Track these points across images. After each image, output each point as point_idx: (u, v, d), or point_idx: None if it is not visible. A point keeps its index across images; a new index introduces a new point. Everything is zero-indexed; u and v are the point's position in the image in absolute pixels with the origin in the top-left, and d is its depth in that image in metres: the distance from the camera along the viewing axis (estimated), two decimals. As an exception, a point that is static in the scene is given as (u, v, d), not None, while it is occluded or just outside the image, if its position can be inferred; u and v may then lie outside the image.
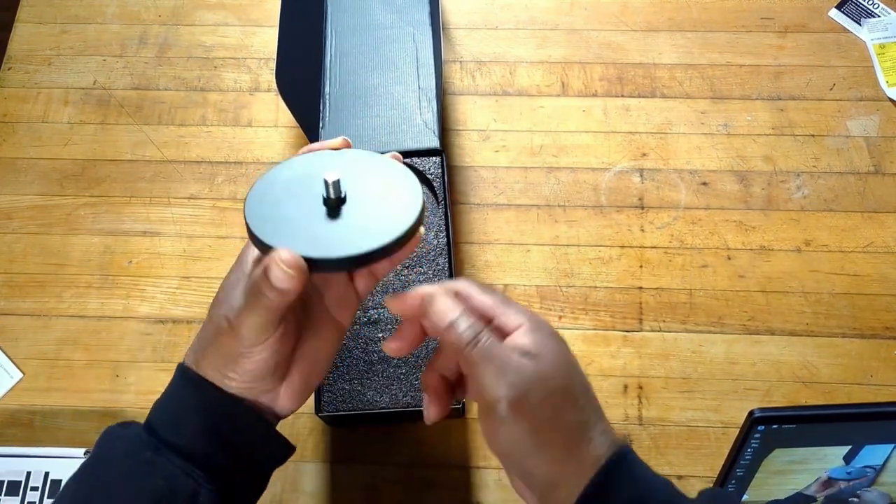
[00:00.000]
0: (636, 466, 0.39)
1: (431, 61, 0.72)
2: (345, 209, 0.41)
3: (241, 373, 0.41)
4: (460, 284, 0.43)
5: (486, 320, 0.41)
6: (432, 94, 0.70)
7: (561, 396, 0.39)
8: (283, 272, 0.38)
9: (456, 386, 0.44)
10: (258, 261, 0.41)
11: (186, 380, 0.43)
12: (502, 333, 0.40)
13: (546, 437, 0.39)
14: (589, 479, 0.38)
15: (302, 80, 0.70)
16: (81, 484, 0.42)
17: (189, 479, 0.41)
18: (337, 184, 0.41)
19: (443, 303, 0.41)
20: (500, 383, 0.38)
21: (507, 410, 0.38)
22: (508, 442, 0.39)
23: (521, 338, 0.40)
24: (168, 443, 0.42)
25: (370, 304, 0.63)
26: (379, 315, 0.63)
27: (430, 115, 0.69)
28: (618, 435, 0.40)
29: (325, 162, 0.43)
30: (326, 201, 0.41)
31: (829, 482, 0.54)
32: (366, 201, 0.42)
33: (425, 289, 0.42)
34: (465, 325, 0.40)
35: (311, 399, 0.59)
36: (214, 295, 0.43)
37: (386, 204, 0.42)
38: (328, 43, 0.74)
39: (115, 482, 0.41)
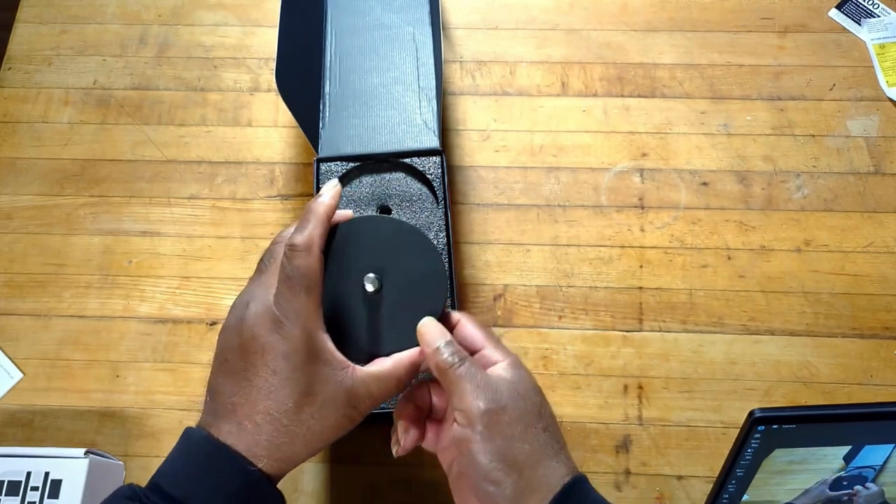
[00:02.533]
0: (591, 492, 0.44)
1: (431, 61, 0.72)
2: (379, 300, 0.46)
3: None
4: (457, 314, 0.48)
5: (472, 352, 0.46)
6: (432, 94, 0.70)
7: (534, 417, 0.43)
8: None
9: (427, 417, 0.47)
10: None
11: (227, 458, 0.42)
12: (485, 365, 0.45)
13: (518, 450, 0.41)
14: (553, 496, 0.41)
15: (302, 80, 0.70)
16: None
17: None
18: (374, 281, 0.46)
19: (433, 327, 0.45)
20: (480, 397, 0.42)
21: (484, 422, 0.41)
22: (482, 454, 0.41)
23: (502, 370, 0.45)
24: None
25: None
26: (379, 315, 0.63)
27: (430, 115, 0.69)
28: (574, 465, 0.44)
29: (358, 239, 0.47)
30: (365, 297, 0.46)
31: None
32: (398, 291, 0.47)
33: (423, 321, 0.46)
34: (449, 351, 0.44)
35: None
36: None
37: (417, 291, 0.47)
38: (328, 43, 0.74)
39: None
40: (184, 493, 0.40)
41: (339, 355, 0.43)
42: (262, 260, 0.46)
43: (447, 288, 0.46)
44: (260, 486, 0.41)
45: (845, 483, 0.53)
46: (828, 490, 0.53)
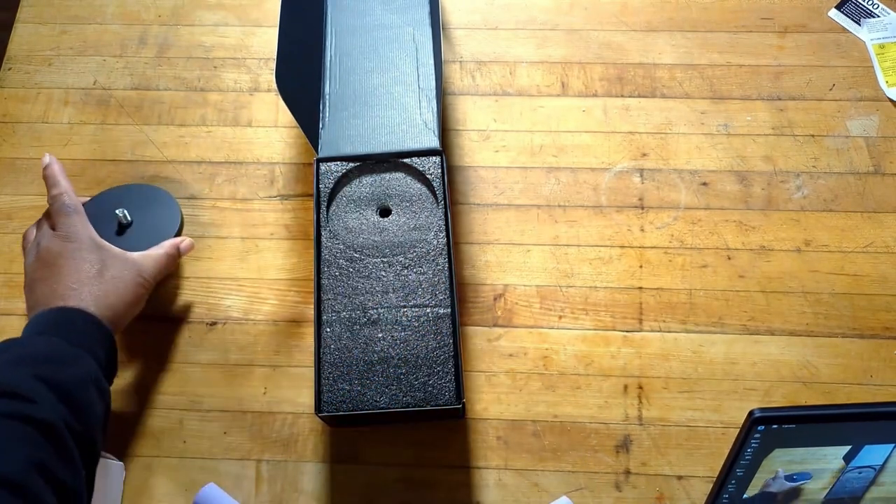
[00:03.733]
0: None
1: (431, 61, 0.72)
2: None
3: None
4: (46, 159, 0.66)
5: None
6: (432, 94, 0.70)
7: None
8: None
9: None
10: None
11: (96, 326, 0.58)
12: None
13: None
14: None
15: (302, 80, 0.71)
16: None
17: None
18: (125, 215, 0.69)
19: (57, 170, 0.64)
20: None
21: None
22: None
23: None
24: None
25: (370, 304, 0.63)
26: (379, 315, 0.63)
27: (430, 115, 0.69)
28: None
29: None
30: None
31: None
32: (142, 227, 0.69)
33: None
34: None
35: (311, 399, 0.59)
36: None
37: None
38: (328, 43, 0.74)
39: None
40: (54, 333, 0.55)
41: (116, 248, 0.63)
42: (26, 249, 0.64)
43: (179, 220, 0.70)
44: (88, 319, 0.58)
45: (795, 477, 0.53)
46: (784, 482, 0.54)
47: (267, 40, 0.83)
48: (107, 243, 0.63)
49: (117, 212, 0.68)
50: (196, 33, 0.84)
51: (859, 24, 0.82)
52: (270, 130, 0.78)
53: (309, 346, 0.68)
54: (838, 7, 0.83)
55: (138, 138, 0.78)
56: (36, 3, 0.86)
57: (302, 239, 0.73)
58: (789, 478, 0.53)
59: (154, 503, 0.63)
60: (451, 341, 0.62)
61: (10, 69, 0.82)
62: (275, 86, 0.78)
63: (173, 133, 0.78)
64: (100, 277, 0.60)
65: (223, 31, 0.84)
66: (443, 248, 0.65)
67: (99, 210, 0.69)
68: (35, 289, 0.60)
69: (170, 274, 0.72)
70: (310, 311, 0.69)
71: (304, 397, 0.66)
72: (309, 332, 0.69)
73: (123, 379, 0.68)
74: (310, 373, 0.59)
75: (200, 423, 0.66)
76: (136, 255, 0.64)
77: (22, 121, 0.80)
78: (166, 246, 0.66)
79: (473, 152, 0.77)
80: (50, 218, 0.63)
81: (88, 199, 0.70)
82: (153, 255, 0.65)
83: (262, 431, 0.65)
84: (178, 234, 0.71)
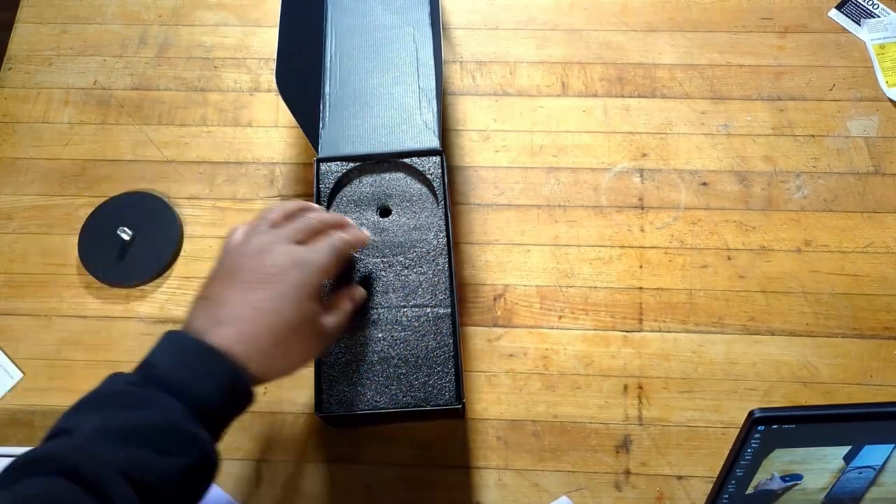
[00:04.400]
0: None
1: (431, 61, 0.72)
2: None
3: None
4: None
5: None
6: (432, 94, 0.70)
7: None
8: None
9: None
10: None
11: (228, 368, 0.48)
12: None
13: None
14: None
15: (302, 80, 0.70)
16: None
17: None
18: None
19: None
20: None
21: None
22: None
23: None
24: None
25: (370, 303, 0.63)
26: (379, 315, 0.63)
27: (430, 116, 0.69)
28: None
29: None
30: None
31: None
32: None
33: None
34: None
35: (311, 399, 0.59)
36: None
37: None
38: (328, 43, 0.74)
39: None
40: (179, 381, 0.46)
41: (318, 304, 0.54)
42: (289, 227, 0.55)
43: (179, 234, 0.72)
44: (243, 386, 0.48)
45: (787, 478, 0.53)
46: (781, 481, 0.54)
47: (267, 40, 0.83)
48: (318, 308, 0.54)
49: (119, 232, 0.71)
50: (196, 33, 0.84)
51: (859, 25, 0.82)
52: (270, 130, 0.78)
53: (309, 346, 0.68)
54: (838, 7, 0.83)
55: (138, 138, 0.78)
56: (36, 3, 0.86)
57: (302, 239, 0.73)
58: (784, 479, 0.53)
59: None
60: (451, 341, 0.61)
61: (10, 69, 0.82)
62: (275, 86, 0.78)
63: (173, 133, 0.78)
64: (289, 333, 0.51)
65: (223, 31, 0.84)
66: (443, 249, 0.64)
67: (100, 227, 0.71)
68: (232, 286, 0.51)
69: (169, 276, 0.72)
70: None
71: (304, 397, 0.66)
72: (309, 332, 0.69)
73: (123, 379, 0.68)
74: (310, 373, 0.59)
75: (200, 423, 0.66)
76: (324, 314, 0.55)
77: (22, 121, 0.80)
78: (346, 306, 0.58)
79: (473, 152, 0.77)
80: (303, 236, 0.54)
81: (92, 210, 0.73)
82: (334, 318, 0.57)
83: (262, 431, 0.65)
84: (179, 246, 0.73)
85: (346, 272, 0.63)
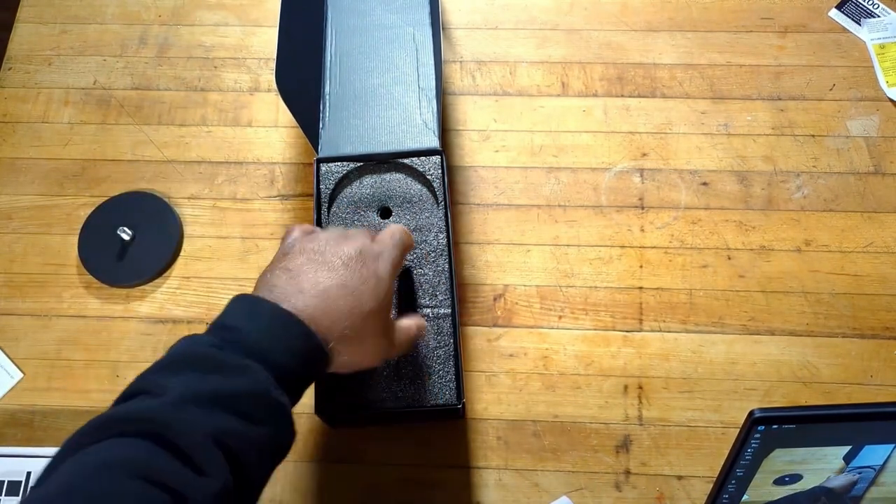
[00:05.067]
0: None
1: (431, 61, 0.72)
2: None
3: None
4: None
5: None
6: (432, 94, 0.70)
7: None
8: None
9: None
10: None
11: (307, 337, 0.47)
12: None
13: None
14: None
15: (302, 80, 0.70)
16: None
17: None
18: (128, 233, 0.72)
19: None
20: None
21: None
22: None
23: None
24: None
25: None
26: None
27: (430, 115, 0.69)
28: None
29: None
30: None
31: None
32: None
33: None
34: None
35: (311, 399, 0.59)
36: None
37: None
38: (328, 43, 0.74)
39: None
40: (262, 347, 0.45)
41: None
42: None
43: (179, 233, 0.72)
44: (320, 358, 0.47)
45: (787, 479, 0.53)
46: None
47: (267, 40, 0.83)
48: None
49: (119, 232, 0.71)
50: (196, 33, 0.84)
51: (859, 24, 0.82)
52: (270, 130, 0.78)
53: (309, 346, 0.68)
54: (838, 7, 0.83)
55: (138, 138, 0.78)
56: (36, 3, 0.86)
57: (302, 239, 0.73)
58: (780, 480, 0.53)
59: None
60: (451, 341, 0.61)
61: (10, 69, 0.82)
62: (275, 86, 0.78)
63: (173, 133, 0.78)
64: (365, 319, 0.50)
65: (223, 31, 0.84)
66: (443, 249, 0.64)
67: (100, 227, 0.71)
68: (322, 266, 0.50)
69: (169, 276, 0.72)
70: (310, 311, 0.69)
71: (305, 397, 0.66)
72: (309, 332, 0.69)
73: (124, 378, 0.68)
74: (310, 373, 0.59)
75: (200, 423, 0.66)
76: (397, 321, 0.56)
77: (22, 121, 0.80)
78: (412, 331, 0.58)
79: (473, 152, 0.77)
80: (379, 245, 0.54)
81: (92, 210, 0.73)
82: (406, 327, 0.57)
83: (263, 431, 0.65)
84: (178, 246, 0.73)
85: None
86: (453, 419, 0.65)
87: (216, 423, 0.41)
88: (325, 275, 0.49)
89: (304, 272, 0.49)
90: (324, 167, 0.67)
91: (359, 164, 0.68)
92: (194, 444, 0.39)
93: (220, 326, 0.46)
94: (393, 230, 0.56)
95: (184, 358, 0.44)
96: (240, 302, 0.48)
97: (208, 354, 0.44)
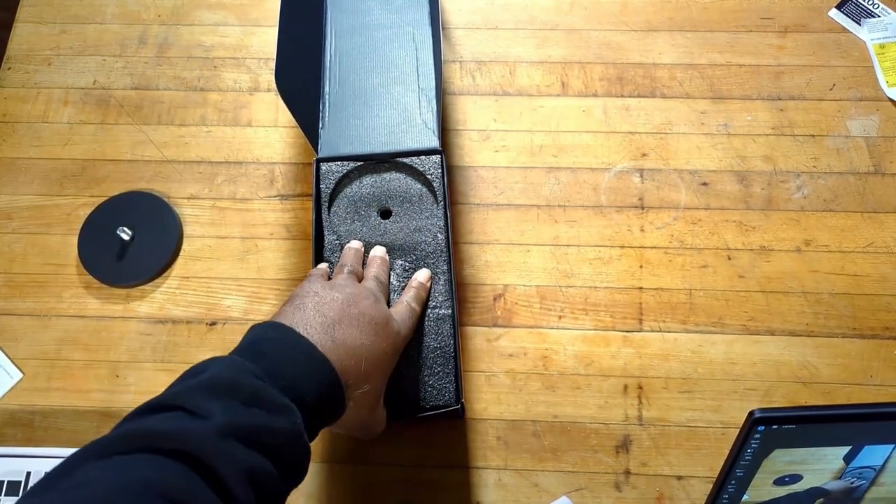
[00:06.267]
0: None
1: (431, 61, 0.72)
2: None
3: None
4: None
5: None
6: (432, 94, 0.70)
7: None
8: None
9: None
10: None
11: (329, 375, 0.48)
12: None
13: None
14: None
15: (302, 80, 0.70)
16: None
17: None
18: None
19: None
20: None
21: None
22: None
23: None
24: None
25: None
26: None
27: (430, 115, 0.69)
28: None
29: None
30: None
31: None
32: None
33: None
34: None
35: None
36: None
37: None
38: (328, 43, 0.74)
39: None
40: (300, 389, 0.46)
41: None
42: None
43: (178, 233, 0.72)
44: (340, 410, 0.49)
45: (787, 479, 0.53)
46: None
47: (267, 40, 0.83)
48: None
49: (119, 232, 0.71)
50: (196, 33, 0.84)
51: (859, 24, 0.82)
52: (270, 130, 0.78)
53: (309, 346, 0.68)
54: (838, 7, 0.83)
55: (138, 138, 0.78)
56: (36, 2, 0.86)
57: (302, 239, 0.73)
58: (780, 480, 0.53)
59: None
60: (451, 342, 0.61)
61: (9, 69, 0.82)
62: (274, 86, 0.78)
63: (173, 133, 0.78)
64: (384, 357, 0.53)
65: (223, 30, 0.84)
66: (443, 249, 0.64)
67: (100, 227, 0.71)
68: (335, 315, 0.52)
69: (168, 276, 0.72)
70: (310, 311, 0.69)
71: (304, 397, 0.66)
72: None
73: (124, 378, 0.68)
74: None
75: (200, 423, 0.66)
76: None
77: (22, 121, 0.80)
78: (413, 300, 0.61)
79: (473, 152, 0.77)
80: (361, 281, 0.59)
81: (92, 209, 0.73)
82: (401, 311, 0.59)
83: (262, 431, 0.65)
84: (178, 246, 0.73)
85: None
86: (453, 419, 0.65)
87: (253, 462, 0.41)
88: (356, 333, 0.51)
89: (339, 323, 0.51)
90: (324, 166, 0.67)
91: (358, 164, 0.68)
92: (233, 478, 0.39)
93: (260, 353, 0.47)
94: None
95: (228, 383, 0.43)
96: (281, 333, 0.48)
97: (252, 387, 0.44)
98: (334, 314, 0.51)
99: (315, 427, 0.48)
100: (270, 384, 0.45)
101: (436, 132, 0.68)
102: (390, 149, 0.68)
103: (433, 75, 0.71)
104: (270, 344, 0.47)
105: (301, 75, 0.70)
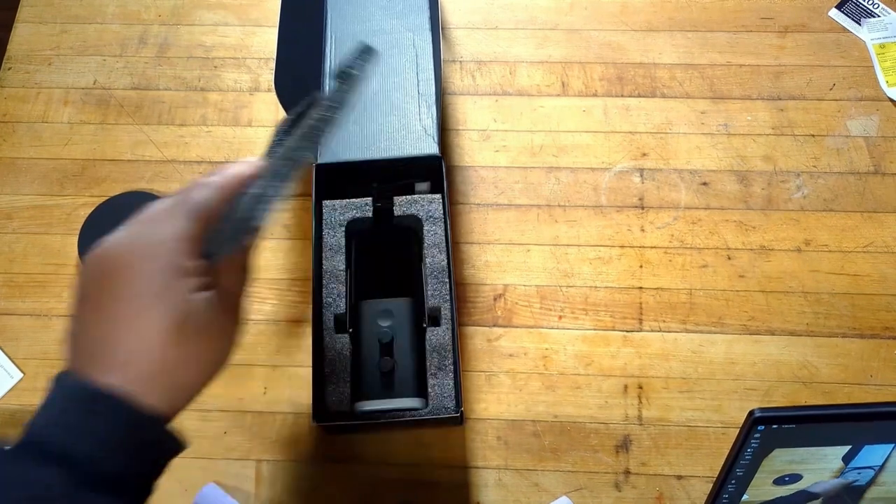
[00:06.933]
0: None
1: (431, 66, 0.72)
2: None
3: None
4: None
5: None
6: (432, 99, 0.70)
7: None
8: None
9: None
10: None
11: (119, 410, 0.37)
12: None
13: None
14: None
15: (301, 85, 0.70)
16: None
17: None
18: None
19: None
20: None
21: None
22: None
23: None
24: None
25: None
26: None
27: (430, 121, 0.69)
28: None
29: None
30: None
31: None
32: None
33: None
34: None
35: (309, 400, 0.59)
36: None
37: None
38: (328, 48, 0.74)
39: None
40: (62, 449, 0.35)
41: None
42: None
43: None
44: (150, 428, 0.37)
45: (787, 479, 0.53)
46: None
47: (267, 40, 0.83)
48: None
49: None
50: (196, 33, 0.84)
51: (859, 24, 0.82)
52: (270, 130, 0.78)
53: (309, 346, 0.68)
54: (838, 7, 0.83)
55: (138, 138, 0.78)
56: (36, 2, 0.86)
57: (302, 239, 0.73)
58: (780, 480, 0.53)
59: (153, 503, 0.63)
60: (450, 346, 0.61)
61: (10, 69, 0.82)
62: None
63: (173, 133, 0.78)
64: (173, 335, 0.38)
65: (223, 30, 0.84)
66: (443, 248, 0.64)
67: (100, 227, 0.71)
68: (85, 318, 0.39)
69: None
70: (310, 311, 0.69)
71: (304, 397, 0.66)
72: (309, 331, 0.69)
73: (124, 379, 0.68)
74: (310, 373, 0.59)
75: (200, 423, 0.66)
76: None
77: (22, 121, 0.80)
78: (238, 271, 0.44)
79: (473, 152, 0.77)
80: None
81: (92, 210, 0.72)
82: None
83: (262, 431, 0.65)
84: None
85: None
86: (452, 425, 0.65)
87: None
88: (115, 324, 0.38)
89: (97, 329, 0.38)
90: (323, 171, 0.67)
91: (358, 167, 0.67)
92: None
93: (31, 421, 0.37)
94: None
95: None
96: (56, 383, 0.38)
97: None
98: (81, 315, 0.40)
99: (132, 468, 0.37)
100: (22, 455, 0.35)
101: (435, 138, 0.68)
102: (389, 155, 0.68)
103: (433, 81, 0.71)
104: (46, 401, 0.37)
105: (300, 80, 0.70)
